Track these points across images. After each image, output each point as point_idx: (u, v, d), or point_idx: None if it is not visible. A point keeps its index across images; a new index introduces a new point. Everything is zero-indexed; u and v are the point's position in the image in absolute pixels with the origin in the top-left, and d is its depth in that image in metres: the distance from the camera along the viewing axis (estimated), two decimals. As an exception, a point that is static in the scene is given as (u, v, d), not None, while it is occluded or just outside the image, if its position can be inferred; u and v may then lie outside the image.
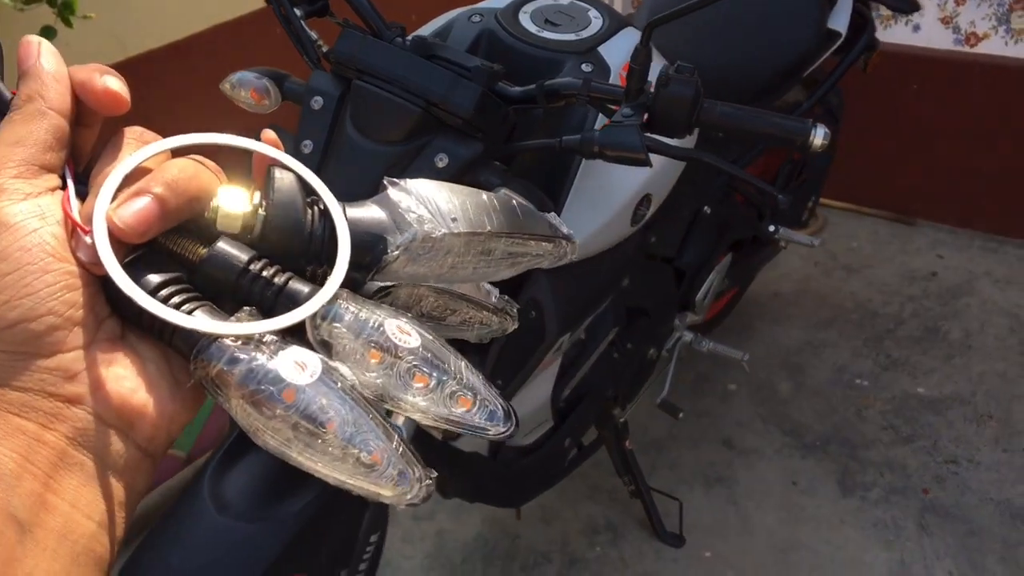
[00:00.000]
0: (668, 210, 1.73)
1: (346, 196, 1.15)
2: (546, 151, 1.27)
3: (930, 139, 2.90)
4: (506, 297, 0.59)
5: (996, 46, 2.71)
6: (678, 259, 1.95)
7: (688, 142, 1.47)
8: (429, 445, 1.63)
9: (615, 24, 1.47)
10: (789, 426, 2.32)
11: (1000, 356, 2.46)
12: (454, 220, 0.52)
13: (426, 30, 1.46)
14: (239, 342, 0.44)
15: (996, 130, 2.78)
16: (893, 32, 2.83)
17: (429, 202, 0.52)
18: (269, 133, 0.51)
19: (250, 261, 0.46)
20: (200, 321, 0.43)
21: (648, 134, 1.13)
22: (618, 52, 1.40)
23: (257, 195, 0.47)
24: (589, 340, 1.61)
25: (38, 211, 0.42)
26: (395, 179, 0.54)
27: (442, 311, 0.56)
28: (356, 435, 0.44)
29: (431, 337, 0.48)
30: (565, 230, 0.60)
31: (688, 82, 1.13)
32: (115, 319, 0.44)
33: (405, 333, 0.47)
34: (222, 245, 0.46)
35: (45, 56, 0.45)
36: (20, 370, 0.40)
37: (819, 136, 1.13)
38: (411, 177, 1.15)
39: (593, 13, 1.47)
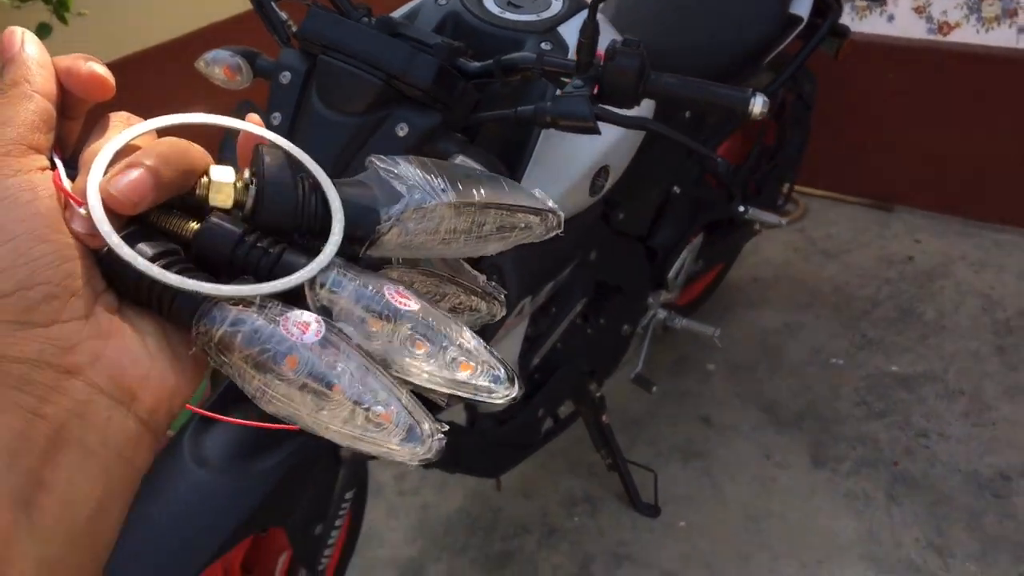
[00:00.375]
0: (636, 189, 1.80)
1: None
2: (506, 123, 1.34)
3: (907, 127, 2.96)
4: (493, 282, 0.60)
5: (968, 34, 2.78)
6: (650, 238, 2.02)
7: (642, 114, 1.54)
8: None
9: (575, 5, 1.54)
10: (765, 404, 2.39)
11: (973, 335, 2.52)
12: (443, 191, 0.52)
13: (395, 14, 1.54)
14: (240, 305, 0.43)
15: (971, 117, 2.84)
16: (868, 22, 2.90)
17: (418, 175, 0.52)
18: (254, 116, 0.52)
19: (244, 233, 0.45)
20: (202, 284, 0.43)
21: (599, 105, 1.21)
22: (576, 31, 1.47)
23: (247, 172, 0.47)
24: (557, 310, 1.68)
25: (30, 186, 0.41)
26: (382, 156, 0.54)
27: (433, 295, 0.54)
28: (364, 393, 0.43)
29: (429, 305, 0.47)
30: (550, 203, 0.61)
31: (634, 54, 1.20)
32: (111, 293, 0.43)
33: (404, 298, 0.46)
34: (215, 219, 0.45)
35: (28, 44, 0.45)
36: (18, 340, 0.39)
37: (758, 104, 1.20)
38: (374, 147, 1.23)
39: None
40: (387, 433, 0.43)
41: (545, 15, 1.49)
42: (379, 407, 0.43)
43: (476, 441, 1.76)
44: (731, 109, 1.21)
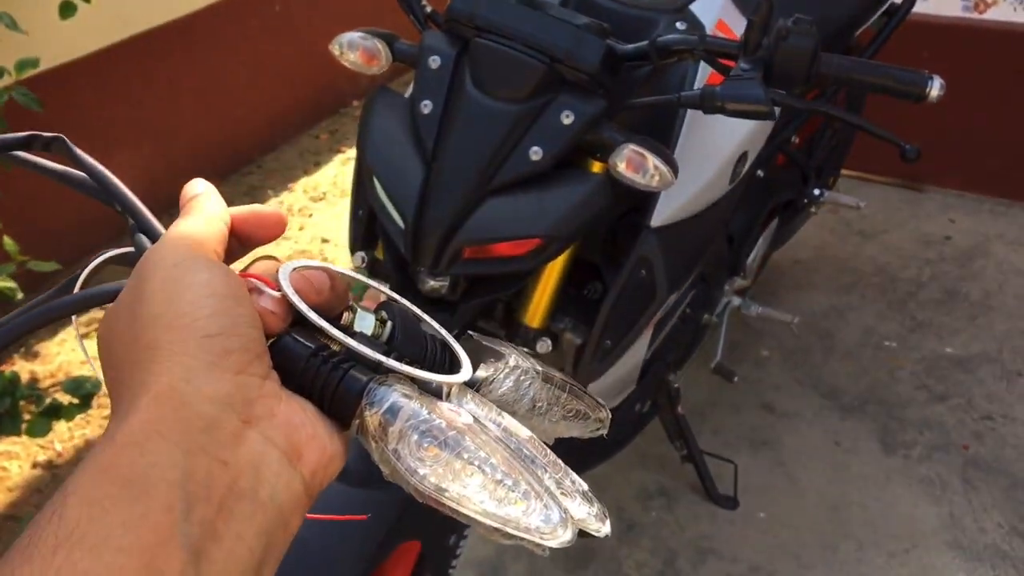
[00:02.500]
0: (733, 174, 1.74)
1: (472, 155, 1.14)
2: (648, 111, 1.27)
3: (938, 106, 2.92)
4: (598, 399, 0.60)
5: (1005, 12, 2.76)
6: (730, 223, 1.96)
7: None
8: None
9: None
10: (825, 388, 2.36)
11: (1021, 315, 2.52)
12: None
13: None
14: (404, 390, 0.46)
15: (1004, 96, 2.83)
16: (903, -1, 2.87)
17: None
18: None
19: (320, 348, 0.48)
20: (389, 361, 0.47)
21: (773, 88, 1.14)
22: (710, 9, 1.40)
23: (383, 312, 0.51)
24: (673, 304, 1.61)
25: (226, 268, 0.47)
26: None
27: (548, 403, 0.56)
28: (507, 476, 0.45)
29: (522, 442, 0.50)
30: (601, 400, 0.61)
31: (808, 34, 1.13)
32: (275, 377, 0.45)
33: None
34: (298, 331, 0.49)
35: (205, 189, 0.54)
36: (213, 379, 0.41)
37: (935, 87, 1.15)
38: (536, 135, 1.14)
39: None
40: (525, 512, 0.45)
41: None
42: (520, 487, 0.45)
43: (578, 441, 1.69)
44: (907, 92, 1.16)
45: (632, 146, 1.14)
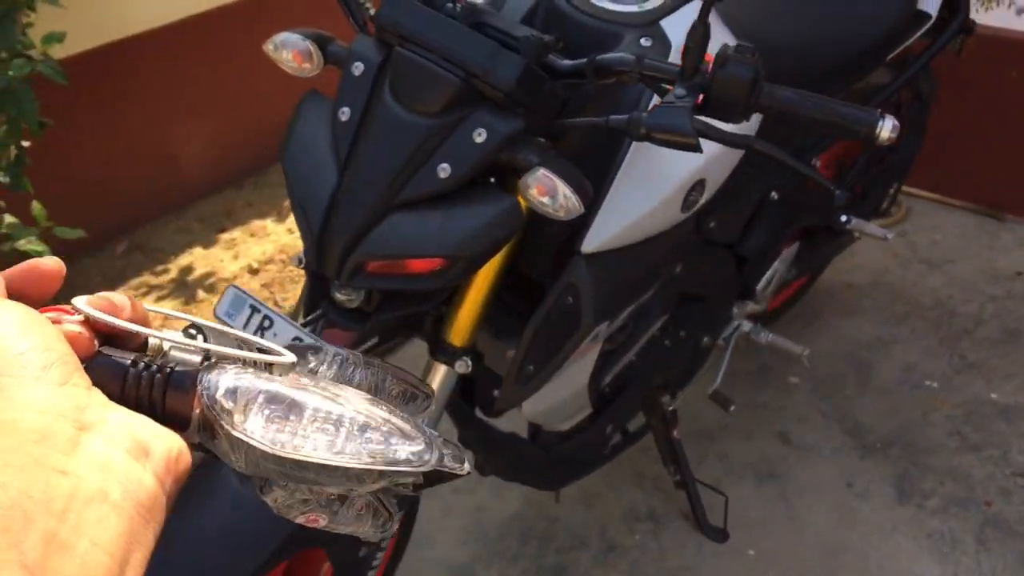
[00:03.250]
0: (730, 195, 1.65)
1: (380, 167, 1.11)
2: (595, 130, 1.21)
3: (1028, 131, 2.73)
4: (420, 378, 0.59)
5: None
6: (740, 245, 1.87)
7: (748, 127, 1.39)
8: (465, 423, 1.60)
9: (680, -1, 1.39)
10: (851, 425, 2.23)
11: (1085, 366, 2.32)
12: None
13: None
14: (236, 370, 0.47)
15: (1101, 125, 2.60)
16: (995, 15, 2.67)
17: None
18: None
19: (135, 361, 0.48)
20: (219, 348, 0.49)
21: (702, 117, 1.07)
22: (683, 27, 1.32)
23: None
24: (635, 328, 1.55)
25: (20, 304, 0.45)
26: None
27: (375, 385, 0.55)
28: (368, 421, 0.47)
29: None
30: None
31: (748, 63, 1.05)
32: (99, 391, 0.44)
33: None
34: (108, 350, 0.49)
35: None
36: (39, 394, 0.41)
37: (887, 129, 1.05)
38: (448, 151, 1.10)
39: None
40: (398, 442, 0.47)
41: (648, 6, 1.34)
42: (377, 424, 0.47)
43: (536, 454, 1.65)
44: (854, 132, 1.06)
45: (544, 170, 1.09)
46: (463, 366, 1.27)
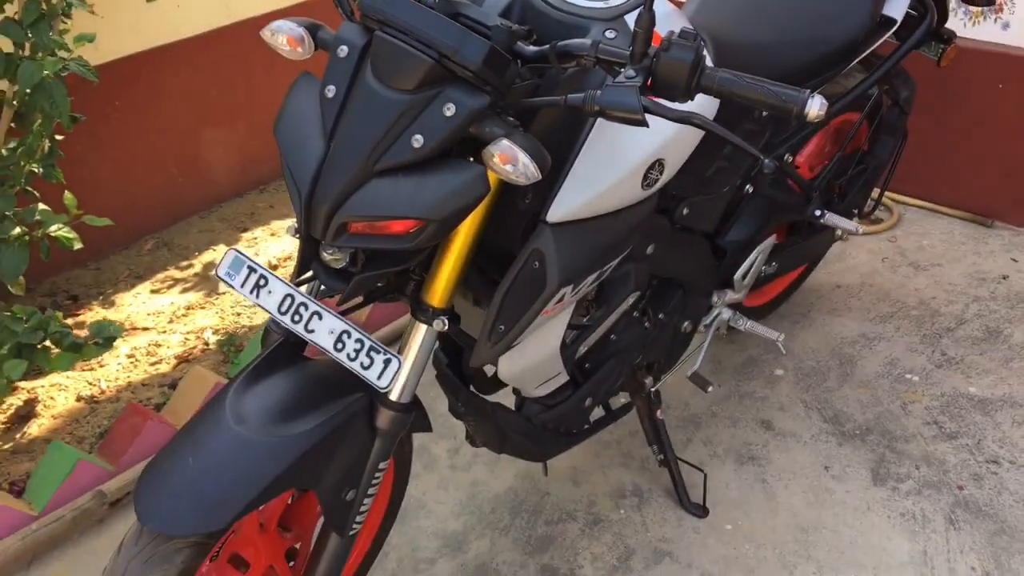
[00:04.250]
0: (703, 185, 1.77)
1: (362, 137, 1.24)
2: (562, 110, 1.33)
3: (1014, 140, 2.82)
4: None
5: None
6: (718, 236, 1.99)
7: (709, 109, 1.51)
8: (455, 393, 1.72)
9: (645, -6, 1.52)
10: (831, 413, 2.33)
11: (1062, 363, 2.41)
12: None
13: (467, -5, 1.54)
14: None
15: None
16: (981, 30, 2.78)
17: None
18: None
19: None
20: None
21: (649, 98, 1.19)
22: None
23: None
24: (607, 300, 1.67)
25: None
26: None
27: None
28: None
29: None
30: None
31: (689, 47, 1.18)
32: None
33: None
34: None
35: None
36: None
37: (815, 107, 1.16)
38: (421, 124, 1.24)
39: None
40: None
41: (614, 2, 1.47)
42: None
43: (521, 424, 1.77)
44: (786, 110, 1.18)
45: (507, 141, 1.22)
46: (440, 324, 1.40)
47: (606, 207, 1.42)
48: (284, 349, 1.48)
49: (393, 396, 1.42)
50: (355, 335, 1.35)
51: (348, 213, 1.25)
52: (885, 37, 1.93)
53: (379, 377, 1.33)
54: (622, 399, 2.03)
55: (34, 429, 2.35)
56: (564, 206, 1.37)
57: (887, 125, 2.32)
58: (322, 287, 1.43)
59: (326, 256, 1.33)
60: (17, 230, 2.20)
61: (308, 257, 1.38)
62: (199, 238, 3.20)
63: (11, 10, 2.21)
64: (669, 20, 1.48)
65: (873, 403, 2.35)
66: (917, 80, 2.29)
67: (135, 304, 2.88)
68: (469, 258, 1.40)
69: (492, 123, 1.24)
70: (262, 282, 1.40)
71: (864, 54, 1.92)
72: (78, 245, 2.31)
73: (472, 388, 1.76)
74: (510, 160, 1.21)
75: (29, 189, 2.36)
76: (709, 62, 1.52)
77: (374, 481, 1.49)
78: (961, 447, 2.21)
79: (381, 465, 1.48)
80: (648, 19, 1.19)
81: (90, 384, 2.50)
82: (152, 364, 2.59)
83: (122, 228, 3.08)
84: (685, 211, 1.76)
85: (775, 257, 2.19)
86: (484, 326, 1.43)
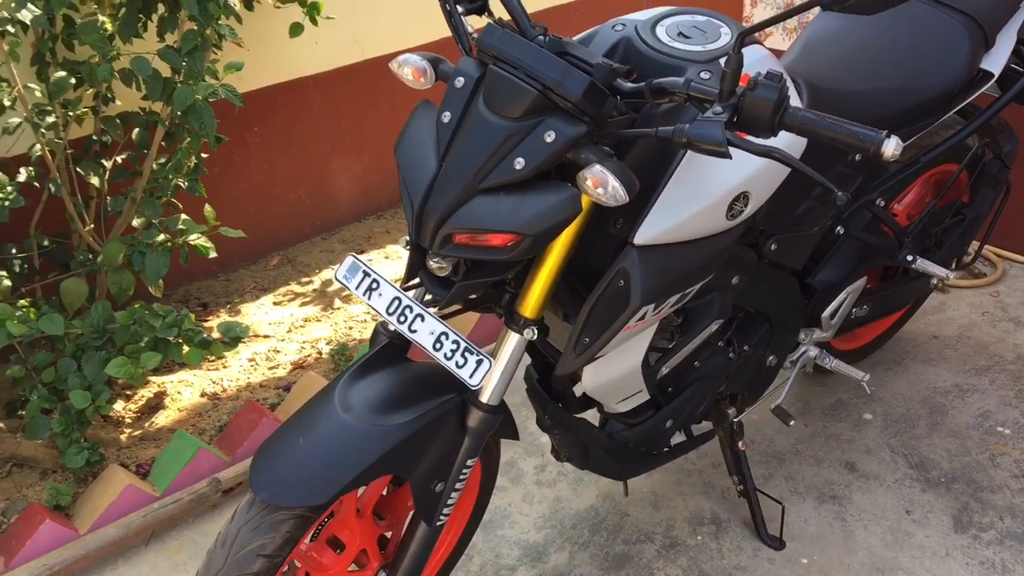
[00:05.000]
0: (793, 223, 1.86)
1: (470, 159, 1.39)
2: (657, 143, 1.44)
3: None
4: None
5: None
6: (809, 275, 2.06)
7: (796, 148, 1.60)
8: (543, 408, 1.84)
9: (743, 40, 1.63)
10: (917, 460, 2.35)
11: None
12: None
13: (577, 37, 1.69)
14: None
15: None
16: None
17: None
18: None
19: None
20: None
21: (733, 132, 1.30)
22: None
23: None
24: (691, 325, 1.76)
25: None
26: None
27: None
28: None
29: None
30: None
31: (773, 87, 1.29)
32: None
33: None
34: None
35: None
36: None
37: (890, 146, 1.25)
38: (524, 148, 1.37)
39: (724, 29, 1.64)
40: None
41: (711, 47, 1.59)
42: None
43: (604, 440, 1.87)
44: (863, 148, 1.27)
45: (599, 167, 1.35)
46: (530, 333, 1.53)
47: (690, 234, 1.53)
48: (390, 349, 1.63)
49: (483, 398, 1.55)
50: (452, 336, 1.48)
51: (454, 225, 1.40)
52: (982, 90, 1.98)
53: (471, 376, 1.46)
54: (705, 427, 2.12)
55: (161, 420, 2.57)
56: (650, 230, 1.48)
57: (988, 178, 2.36)
58: (427, 297, 1.59)
59: (432, 265, 1.47)
60: (161, 236, 2.44)
61: (416, 265, 1.53)
62: (320, 257, 3.42)
63: (170, 39, 2.46)
64: (760, 63, 1.59)
65: (961, 452, 2.36)
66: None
67: (258, 314, 3.10)
68: (560, 274, 1.52)
69: (588, 150, 1.37)
70: (374, 285, 1.55)
71: (960, 106, 1.98)
72: (213, 254, 2.54)
73: (561, 406, 1.87)
74: (601, 184, 1.34)
75: (174, 201, 2.60)
76: (797, 102, 1.63)
77: (462, 476, 1.61)
78: (1049, 502, 2.20)
79: (469, 462, 1.61)
80: (736, 61, 1.31)
81: (214, 383, 2.71)
82: (270, 368, 2.79)
83: (252, 244, 3.33)
84: (773, 247, 1.85)
85: (867, 300, 2.24)
86: (570, 338, 1.55)
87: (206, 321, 3.03)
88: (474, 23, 1.59)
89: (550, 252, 1.50)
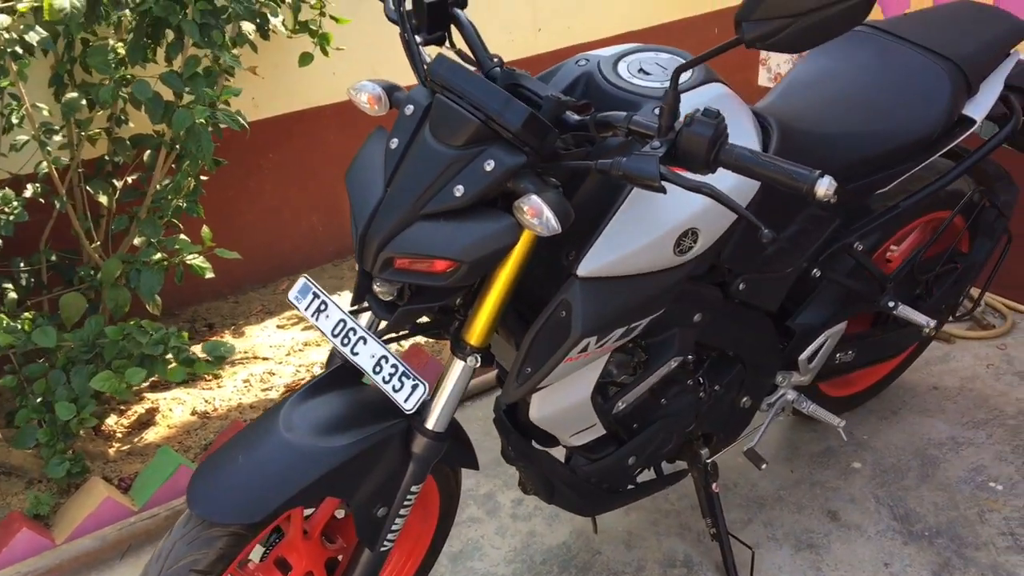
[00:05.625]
0: (762, 263, 1.84)
1: (414, 187, 1.41)
2: (607, 178, 1.44)
3: None
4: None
5: None
6: (788, 318, 2.04)
7: (749, 188, 1.59)
8: (507, 438, 1.84)
9: (704, 78, 1.63)
10: (902, 512, 2.29)
11: None
12: None
13: (545, 71, 1.71)
14: None
15: None
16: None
17: None
18: None
19: None
20: None
21: (668, 167, 1.30)
22: (697, 101, 1.56)
23: None
24: (648, 362, 1.75)
25: None
26: None
27: None
28: None
29: None
30: None
31: (709, 124, 1.29)
32: None
33: None
34: None
35: None
36: None
37: (823, 186, 1.24)
38: (464, 177, 1.38)
39: None
40: None
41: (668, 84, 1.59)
42: None
43: (566, 475, 1.86)
44: (796, 188, 1.26)
45: (535, 197, 1.35)
46: (473, 361, 1.53)
47: (635, 268, 1.52)
48: (342, 372, 1.64)
49: (428, 424, 1.55)
50: (392, 361, 1.49)
51: (394, 249, 1.41)
52: (964, 136, 1.95)
53: (406, 400, 1.47)
54: (677, 466, 2.09)
55: (151, 435, 2.61)
56: (594, 262, 1.48)
57: (984, 227, 2.31)
58: (383, 324, 1.60)
59: (376, 289, 1.49)
60: (158, 255, 2.49)
61: (363, 289, 1.55)
62: (329, 283, 3.46)
63: (177, 64, 2.53)
64: (718, 101, 1.59)
65: (949, 507, 2.30)
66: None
67: (261, 336, 3.14)
68: (506, 303, 1.52)
69: (528, 180, 1.38)
70: (323, 307, 1.57)
71: (941, 152, 1.95)
72: (210, 274, 2.58)
73: (534, 441, 1.85)
74: (536, 214, 1.34)
75: (175, 221, 2.66)
76: (752, 142, 1.62)
77: (406, 502, 1.61)
78: (1035, 562, 2.13)
79: (414, 488, 1.60)
80: (672, 96, 1.32)
81: (206, 402, 2.75)
82: (263, 390, 2.82)
83: (263, 267, 3.39)
84: (741, 286, 1.83)
85: (852, 346, 2.21)
86: (513, 366, 1.55)
87: (208, 341, 3.08)
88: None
89: (496, 280, 1.50)
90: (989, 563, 2.13)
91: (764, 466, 2.08)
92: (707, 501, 2.13)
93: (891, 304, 2.11)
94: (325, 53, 2.95)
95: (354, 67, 3.39)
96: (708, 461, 2.07)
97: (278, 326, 3.20)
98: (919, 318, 2.13)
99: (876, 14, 3.00)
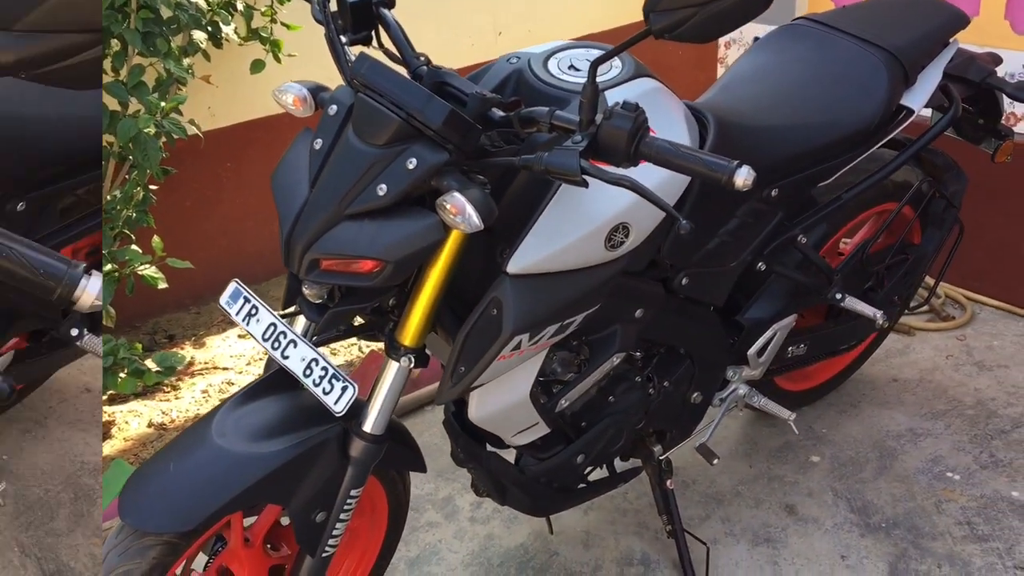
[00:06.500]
0: (705, 257, 1.83)
1: (337, 185, 1.39)
2: (537, 172, 1.43)
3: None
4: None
5: None
6: (737, 312, 2.03)
7: (681, 181, 1.59)
8: (456, 440, 1.82)
9: (633, 73, 1.63)
10: (860, 504, 2.28)
11: (1121, 476, 2.28)
12: None
13: (476, 71, 1.70)
14: None
15: None
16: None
17: None
18: None
19: None
20: None
21: (589, 161, 1.29)
22: (626, 96, 1.55)
23: None
24: (590, 359, 1.74)
25: None
26: None
27: None
28: None
29: None
30: None
31: (628, 117, 1.28)
32: None
33: None
34: None
35: None
36: None
37: (741, 176, 1.23)
38: (387, 175, 1.37)
39: (616, 63, 1.64)
40: None
41: (600, 79, 1.58)
42: None
43: (515, 475, 1.84)
44: (715, 178, 1.25)
45: (457, 194, 1.34)
46: (406, 361, 1.52)
47: (567, 264, 1.51)
48: (279, 377, 1.63)
49: (365, 427, 1.54)
50: (322, 363, 1.48)
51: (318, 251, 1.40)
52: (903, 127, 1.95)
53: (336, 402, 1.46)
54: (632, 464, 2.08)
55: (107, 448, 2.58)
56: (524, 259, 1.47)
57: (933, 217, 2.32)
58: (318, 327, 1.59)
59: (305, 291, 1.48)
60: (108, 267, 2.47)
61: (293, 292, 1.54)
62: (291, 292, 3.44)
63: (122, 74, 2.52)
64: (648, 96, 1.59)
65: (906, 498, 2.29)
66: (1002, 179, 2.28)
67: (222, 347, 3.12)
68: (439, 302, 1.51)
69: (451, 177, 1.37)
70: (253, 311, 1.56)
71: (881, 143, 1.96)
72: (163, 284, 2.56)
73: (487, 443, 1.83)
74: (459, 211, 1.33)
75: (127, 232, 2.64)
76: (683, 137, 1.61)
77: (346, 507, 1.59)
78: (990, 550, 2.12)
79: (354, 492, 1.59)
80: (591, 90, 1.31)
81: (163, 413, 2.73)
82: (222, 401, 2.80)
83: (225, 277, 3.31)
84: (684, 281, 1.82)
85: (804, 339, 2.20)
86: (447, 366, 1.54)
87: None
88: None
89: (427, 279, 1.49)
90: (945, 553, 2.13)
91: (716, 461, 2.07)
92: (662, 498, 2.12)
93: (839, 296, 2.11)
94: (278, 60, 2.94)
95: (309, 74, 3.34)
96: (661, 458, 2.07)
97: (239, 336, 3.18)
98: (867, 310, 2.13)
99: (828, 5, 3.01)
